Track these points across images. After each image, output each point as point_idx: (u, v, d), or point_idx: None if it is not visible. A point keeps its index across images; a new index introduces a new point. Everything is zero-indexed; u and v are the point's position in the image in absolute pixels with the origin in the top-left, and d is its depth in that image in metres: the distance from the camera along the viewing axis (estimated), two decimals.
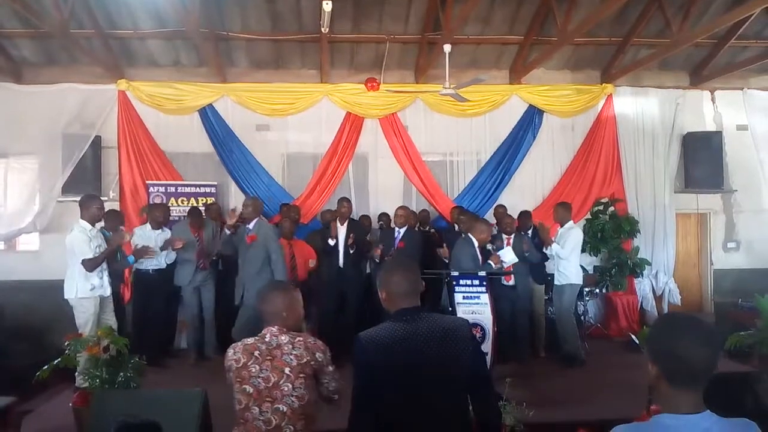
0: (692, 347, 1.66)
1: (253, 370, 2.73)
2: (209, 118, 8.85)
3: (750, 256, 9.62)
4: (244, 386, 2.73)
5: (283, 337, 2.80)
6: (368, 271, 7.73)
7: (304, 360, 2.75)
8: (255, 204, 6.48)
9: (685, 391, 1.68)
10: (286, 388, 2.70)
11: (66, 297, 5.67)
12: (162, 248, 6.91)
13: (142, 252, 6.55)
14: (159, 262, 7.02)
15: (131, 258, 6.63)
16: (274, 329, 2.83)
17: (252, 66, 9.00)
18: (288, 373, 2.71)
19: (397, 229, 7.40)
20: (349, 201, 7.63)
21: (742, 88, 9.60)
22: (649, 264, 9.06)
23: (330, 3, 6.22)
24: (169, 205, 8.13)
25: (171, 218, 7.79)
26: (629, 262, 8.83)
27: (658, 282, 9.25)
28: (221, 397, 4.04)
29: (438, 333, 2.43)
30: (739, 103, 9.60)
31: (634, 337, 7.51)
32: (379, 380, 2.40)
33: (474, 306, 5.96)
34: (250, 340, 2.83)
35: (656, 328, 1.84)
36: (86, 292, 5.61)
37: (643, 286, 9.16)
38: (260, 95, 8.92)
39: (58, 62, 8.67)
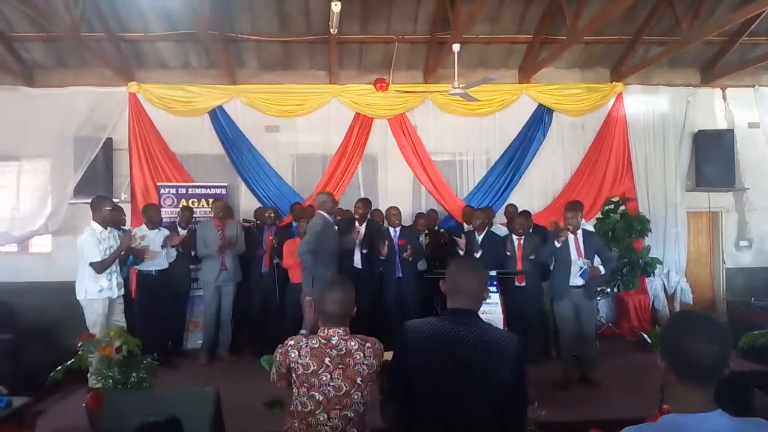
0: (702, 343, 1.65)
1: (324, 378, 2.64)
2: (219, 119, 8.89)
3: (762, 254, 9.53)
4: (312, 393, 2.65)
5: (352, 343, 2.71)
6: (381, 268, 7.72)
7: (374, 368, 2.70)
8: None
9: (694, 388, 1.67)
10: (356, 397, 2.66)
11: (77, 298, 5.73)
12: (162, 246, 6.94)
13: (141, 253, 6.60)
14: (161, 262, 7.05)
15: (130, 258, 6.67)
16: (341, 332, 2.72)
17: (261, 67, 9.03)
18: (360, 382, 2.66)
19: (391, 229, 7.42)
20: (365, 202, 7.67)
21: (753, 86, 9.53)
22: (661, 263, 9.00)
23: (339, 4, 6.23)
24: (180, 206, 8.17)
25: (194, 219, 7.87)
26: (640, 261, 8.78)
27: (670, 281, 9.19)
28: (233, 397, 4.08)
29: (484, 343, 2.38)
30: (750, 101, 9.53)
31: (645, 336, 7.47)
32: (412, 369, 2.42)
33: (485, 306, 5.91)
34: (315, 343, 2.71)
35: (668, 324, 1.84)
36: (95, 294, 5.65)
37: (654, 285, 9.10)
38: (269, 97, 8.94)
39: (69, 65, 8.73)
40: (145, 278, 7.04)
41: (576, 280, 6.17)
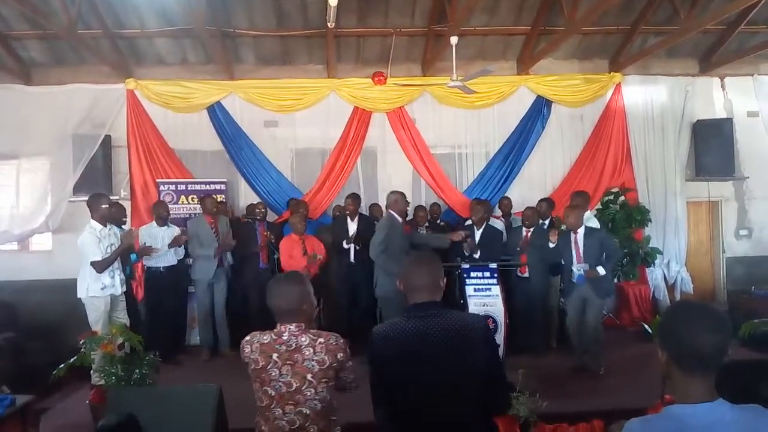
0: (702, 332, 1.66)
1: (273, 373, 2.62)
2: (217, 115, 8.88)
3: (762, 243, 9.54)
4: (265, 388, 2.65)
5: (302, 338, 2.66)
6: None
7: (326, 365, 2.63)
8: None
9: (696, 378, 1.68)
10: (308, 393, 2.61)
11: (78, 296, 5.74)
12: (170, 245, 6.96)
13: (146, 251, 6.63)
14: (170, 259, 7.09)
15: (133, 256, 6.69)
16: (293, 327, 2.68)
17: (259, 62, 9.01)
18: (310, 379, 2.61)
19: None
20: (355, 197, 7.65)
21: (752, 74, 9.51)
22: (661, 253, 9.01)
23: None
24: (180, 203, 8.20)
25: (184, 216, 7.86)
26: (641, 251, 8.78)
27: (670, 271, 9.20)
28: (236, 393, 4.09)
29: (450, 332, 2.39)
30: (749, 90, 9.52)
31: (646, 326, 7.49)
32: (390, 376, 2.42)
33: (485, 298, 5.97)
34: (266, 338, 2.69)
35: (667, 313, 1.85)
36: (97, 291, 5.67)
37: (655, 275, 9.11)
38: (268, 92, 8.93)
39: (67, 63, 8.71)
40: (153, 274, 7.07)
41: (600, 273, 6.20)
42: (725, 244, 9.67)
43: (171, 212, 7.79)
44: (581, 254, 6.22)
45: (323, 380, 2.63)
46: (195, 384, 4.54)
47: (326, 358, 2.63)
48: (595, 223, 7.09)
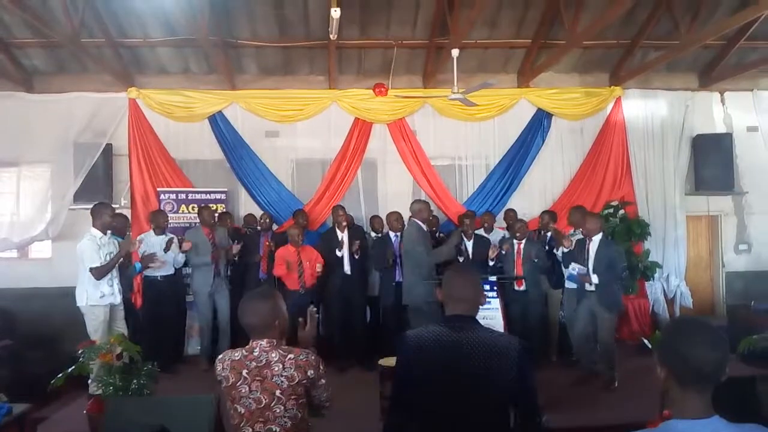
0: (701, 350, 1.68)
1: (243, 390, 2.60)
2: (219, 125, 8.90)
3: (762, 257, 9.53)
4: (235, 405, 2.62)
5: (273, 354, 2.62)
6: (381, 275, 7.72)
7: (296, 381, 2.59)
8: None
9: (693, 394, 1.70)
10: (278, 410, 2.58)
11: (77, 305, 5.73)
12: (165, 249, 6.94)
13: (149, 260, 6.63)
14: (167, 268, 7.09)
15: (138, 265, 6.70)
16: (264, 343, 2.65)
17: (261, 73, 9.05)
18: (279, 395, 2.58)
19: (392, 234, 7.41)
20: (343, 208, 7.69)
21: (751, 89, 9.56)
22: (660, 267, 8.99)
23: (338, 10, 6.25)
24: (180, 212, 8.21)
25: (184, 225, 7.87)
26: (640, 265, 8.77)
27: (670, 285, 9.19)
28: None
29: (486, 348, 2.37)
30: (749, 105, 9.56)
31: (646, 341, 7.47)
32: (416, 381, 2.41)
33: (485, 311, 5.95)
34: (237, 355, 2.67)
35: (666, 330, 1.86)
36: (96, 300, 5.67)
37: (654, 289, 9.10)
38: (269, 102, 8.96)
39: (69, 71, 8.75)
40: (150, 283, 7.07)
41: (590, 286, 6.23)
42: (725, 259, 9.68)
43: (171, 221, 7.83)
44: (591, 262, 6.25)
45: (292, 397, 2.60)
46: (193, 394, 4.53)
47: (295, 374, 2.60)
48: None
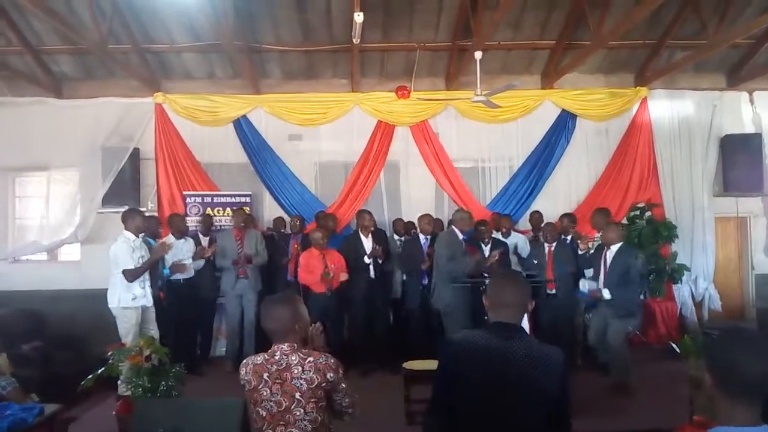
0: (755, 362, 1.65)
1: (264, 393, 2.64)
2: (243, 129, 8.99)
3: None
4: (257, 408, 2.66)
5: (293, 357, 2.66)
6: (404, 278, 7.72)
7: (315, 383, 2.62)
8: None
9: (743, 405, 1.67)
10: (298, 413, 2.60)
11: (110, 306, 5.82)
12: (194, 258, 7.06)
13: (179, 268, 6.73)
14: (189, 271, 7.17)
15: (167, 271, 6.78)
16: (285, 347, 2.69)
17: (284, 77, 9.12)
18: (299, 398, 2.60)
19: (423, 236, 7.41)
20: (369, 213, 7.65)
21: None
22: (688, 270, 8.87)
23: (361, 14, 6.27)
24: (206, 214, 8.30)
25: (213, 228, 7.97)
26: (667, 267, 8.65)
27: (698, 288, 9.04)
28: None
29: (533, 359, 2.36)
30: None
31: (674, 345, 7.37)
32: (458, 386, 2.40)
33: None
34: (259, 359, 2.72)
35: (719, 339, 1.83)
36: (128, 302, 5.75)
37: (682, 292, 8.96)
38: (293, 106, 9.02)
39: (97, 77, 8.90)
40: (172, 286, 7.13)
41: (604, 296, 6.21)
42: (754, 261, 9.49)
43: (197, 224, 7.92)
44: (607, 271, 6.20)
45: (312, 400, 2.61)
46: (221, 397, 4.57)
47: (315, 376, 2.62)
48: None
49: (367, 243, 7.34)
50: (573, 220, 7.84)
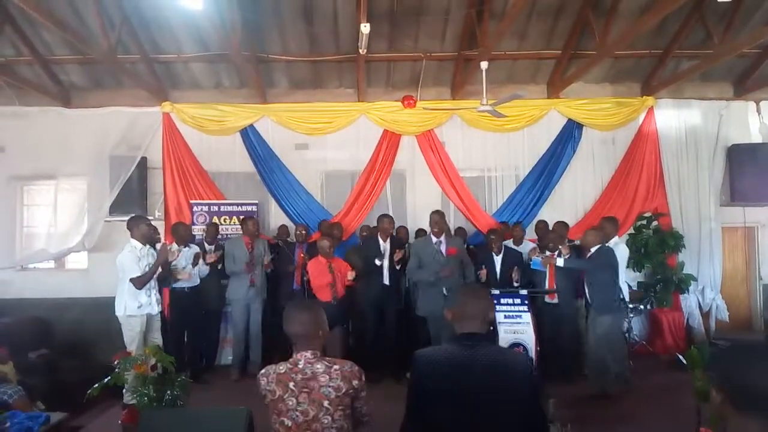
0: (763, 377, 1.64)
1: (290, 403, 2.62)
2: (250, 138, 9.03)
3: None
4: (282, 419, 2.63)
5: (318, 366, 2.67)
6: (407, 285, 7.71)
7: (343, 391, 2.63)
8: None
9: (753, 420, 1.66)
10: (325, 421, 2.60)
11: (116, 313, 5.86)
12: (193, 264, 7.06)
13: (178, 274, 6.75)
14: (194, 279, 7.19)
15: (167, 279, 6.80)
16: (309, 354, 2.70)
17: (291, 86, 9.17)
18: (327, 406, 2.61)
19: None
20: (390, 218, 7.62)
21: None
22: (695, 280, 8.83)
23: (368, 25, 6.31)
24: (212, 222, 8.33)
25: (219, 236, 8.01)
26: (674, 277, 8.63)
27: (705, 298, 8.99)
28: (265, 415, 4.10)
29: (495, 366, 2.42)
30: None
31: (681, 356, 7.31)
32: (429, 400, 2.43)
33: (516, 325, 5.92)
34: (282, 368, 2.70)
35: (728, 354, 1.82)
36: (134, 310, 5.78)
37: (689, 302, 8.91)
38: (299, 115, 9.06)
39: (105, 86, 8.98)
40: (177, 295, 7.16)
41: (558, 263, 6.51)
42: (762, 271, 9.43)
43: (202, 233, 7.94)
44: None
45: (339, 407, 2.63)
46: (226, 406, 4.57)
47: (342, 384, 2.64)
48: (623, 249, 7.04)
49: (385, 246, 7.34)
50: (566, 227, 7.92)
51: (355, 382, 2.67)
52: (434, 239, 6.66)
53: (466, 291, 2.73)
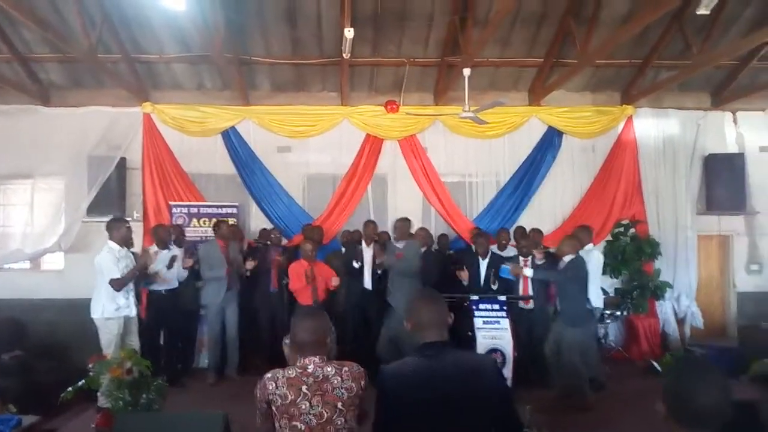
0: (704, 396, 1.68)
1: (304, 407, 2.61)
2: (232, 140, 8.98)
3: None
4: (294, 423, 2.61)
5: (328, 369, 2.69)
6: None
7: (354, 392, 2.68)
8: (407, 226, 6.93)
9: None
10: (339, 422, 2.63)
11: (92, 316, 5.78)
12: (168, 266, 6.96)
13: (152, 277, 6.69)
14: (172, 282, 7.10)
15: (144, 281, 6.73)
16: (317, 359, 2.71)
17: (273, 89, 9.14)
18: (341, 407, 2.63)
19: (395, 243, 7.32)
20: (374, 223, 7.66)
21: (764, 109, 9.55)
22: (671, 287, 8.95)
23: (352, 30, 6.33)
24: (192, 225, 8.27)
25: (195, 238, 7.92)
26: (650, 284, 8.74)
27: (680, 305, 9.12)
28: (242, 418, 4.09)
29: (462, 371, 2.40)
30: (761, 125, 9.54)
31: (655, 363, 7.44)
32: (400, 416, 2.41)
33: (494, 331, 5.95)
34: (291, 373, 2.69)
35: (672, 371, 1.86)
36: (112, 313, 5.71)
37: (664, 309, 9.03)
38: (282, 118, 9.03)
39: (85, 86, 8.88)
40: (155, 298, 7.08)
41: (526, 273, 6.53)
42: (736, 279, 9.59)
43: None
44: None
45: (351, 408, 2.67)
46: (202, 410, 4.55)
47: (353, 385, 2.68)
48: (597, 257, 7.08)
49: (367, 251, 7.34)
50: (540, 234, 7.99)
51: (362, 383, 2.72)
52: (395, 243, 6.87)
53: (422, 299, 2.65)
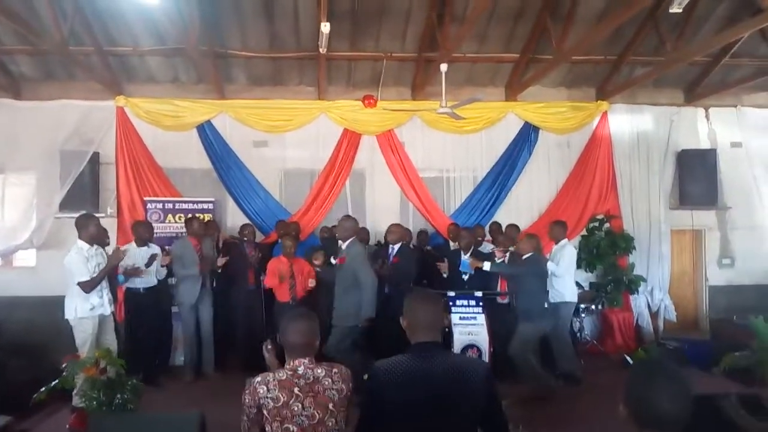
0: (665, 400, 1.71)
1: (296, 408, 2.63)
2: (207, 134, 8.89)
3: (744, 272, 9.64)
4: (286, 425, 2.62)
5: (319, 370, 2.72)
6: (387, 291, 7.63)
7: (344, 393, 2.72)
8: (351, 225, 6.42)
9: None
10: (330, 423, 2.65)
11: (66, 317, 5.64)
12: (147, 265, 6.84)
13: (132, 272, 6.59)
14: (150, 279, 6.98)
15: (121, 277, 6.63)
16: (307, 361, 2.74)
17: (250, 83, 9.05)
18: (332, 408, 2.67)
19: (391, 245, 7.37)
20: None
21: (735, 106, 9.70)
22: (645, 281, 9.09)
23: (328, 25, 6.30)
24: (167, 221, 8.17)
25: (170, 234, 7.82)
26: (625, 278, 8.87)
27: (654, 299, 9.27)
28: (218, 417, 4.07)
29: (453, 373, 2.42)
30: (733, 121, 9.70)
31: (627, 357, 7.55)
32: (387, 413, 2.42)
33: (471, 327, 5.98)
34: (282, 375, 2.70)
35: (633, 373, 1.88)
36: (86, 312, 5.56)
37: (638, 302, 9.17)
38: (258, 112, 8.96)
39: (57, 78, 8.71)
40: (133, 295, 6.98)
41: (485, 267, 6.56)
42: (708, 273, 9.77)
43: (157, 231, 7.73)
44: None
45: (342, 409, 2.70)
46: (178, 409, 4.52)
47: (343, 386, 2.73)
48: (570, 251, 7.17)
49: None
50: (517, 229, 8.04)
51: (350, 384, 2.77)
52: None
53: (418, 298, 2.67)
